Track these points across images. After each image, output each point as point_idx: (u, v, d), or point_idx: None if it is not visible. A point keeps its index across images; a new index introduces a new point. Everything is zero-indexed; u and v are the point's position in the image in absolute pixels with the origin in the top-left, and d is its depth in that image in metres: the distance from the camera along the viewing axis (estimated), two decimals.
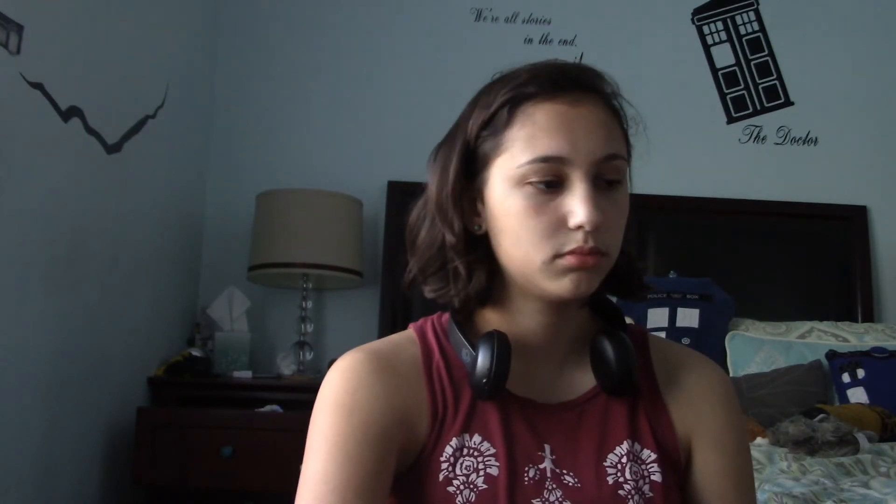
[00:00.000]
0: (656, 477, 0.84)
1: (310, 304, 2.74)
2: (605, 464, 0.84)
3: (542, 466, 0.83)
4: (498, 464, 0.82)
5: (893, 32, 3.15)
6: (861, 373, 2.38)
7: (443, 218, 0.85)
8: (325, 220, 2.64)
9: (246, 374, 2.58)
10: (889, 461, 1.72)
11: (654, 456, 0.86)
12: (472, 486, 0.81)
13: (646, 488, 0.83)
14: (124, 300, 2.35)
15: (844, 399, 2.36)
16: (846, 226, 2.97)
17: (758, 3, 3.16)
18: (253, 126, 3.00)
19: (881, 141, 3.07)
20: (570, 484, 0.83)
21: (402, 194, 2.87)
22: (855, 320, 2.81)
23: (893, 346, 2.46)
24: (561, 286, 0.80)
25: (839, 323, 2.66)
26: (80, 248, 2.10)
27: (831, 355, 2.47)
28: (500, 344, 0.82)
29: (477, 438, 0.83)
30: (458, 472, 0.82)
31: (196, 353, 2.58)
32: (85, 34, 2.08)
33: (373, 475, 0.80)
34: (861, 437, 1.82)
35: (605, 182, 0.80)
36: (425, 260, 0.88)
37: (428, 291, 0.90)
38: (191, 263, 2.86)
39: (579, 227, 0.77)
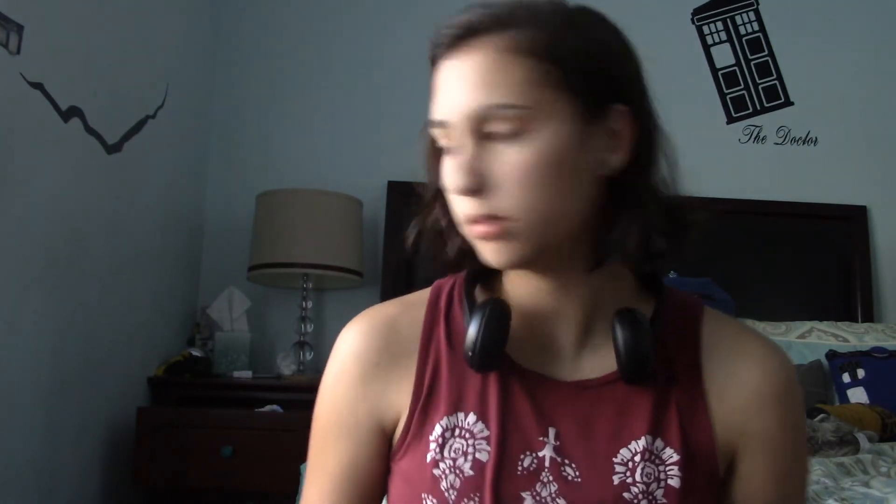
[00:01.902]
0: (674, 482, 0.73)
1: (310, 304, 2.74)
2: (616, 459, 0.73)
3: (541, 454, 0.74)
4: (489, 448, 0.74)
5: (893, 33, 3.15)
6: (861, 373, 2.38)
7: (426, 172, 0.80)
8: (325, 220, 2.64)
9: (246, 374, 2.58)
10: (889, 461, 1.73)
11: (676, 457, 0.74)
12: (458, 472, 0.74)
13: (658, 493, 0.72)
14: (124, 300, 2.35)
15: (844, 399, 2.36)
16: (846, 226, 2.97)
17: (758, 3, 3.16)
18: (253, 126, 3.00)
19: (881, 141, 3.07)
20: (570, 478, 0.73)
21: (402, 194, 2.87)
22: (855, 320, 2.81)
23: (893, 346, 2.46)
24: (483, 255, 0.73)
25: (839, 323, 2.66)
26: (80, 248, 2.10)
27: (831, 355, 2.47)
28: (492, 310, 0.74)
29: (471, 418, 0.76)
30: (445, 454, 0.75)
31: (196, 353, 2.58)
32: (85, 34, 2.08)
33: (349, 465, 0.80)
34: (861, 437, 1.82)
35: (500, 136, 0.70)
36: (422, 215, 0.82)
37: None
38: (191, 263, 2.86)
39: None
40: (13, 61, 1.79)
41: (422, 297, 0.85)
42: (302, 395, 2.53)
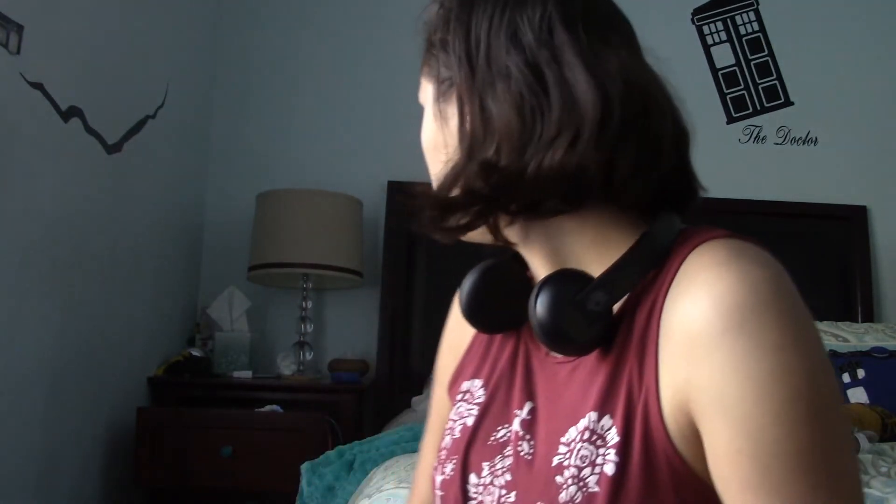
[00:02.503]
0: (609, 468, 0.60)
1: (310, 304, 2.74)
2: (562, 439, 0.65)
3: (512, 428, 0.71)
4: (476, 414, 0.76)
5: (893, 33, 3.15)
6: (861, 373, 2.38)
7: None
8: (325, 220, 2.64)
9: (246, 374, 2.58)
10: (889, 461, 1.72)
11: (617, 438, 0.61)
12: (451, 433, 0.77)
13: (591, 480, 0.61)
14: (124, 300, 2.35)
15: (845, 399, 2.36)
16: (846, 226, 2.97)
17: (758, 3, 3.16)
18: (253, 126, 3.00)
19: (881, 141, 3.08)
20: (523, 454, 0.69)
21: (402, 194, 2.87)
22: (855, 320, 2.81)
23: (893, 346, 2.46)
24: None
25: (839, 323, 2.66)
26: (80, 248, 2.10)
27: (831, 355, 2.47)
28: (478, 272, 0.76)
29: (478, 384, 0.78)
30: (453, 415, 0.79)
31: (196, 353, 2.58)
32: (85, 34, 2.08)
33: (436, 416, 0.88)
34: (861, 438, 1.81)
35: None
36: None
37: None
38: (191, 263, 2.86)
39: None
40: (13, 61, 1.79)
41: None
42: (302, 396, 2.54)
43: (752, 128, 3.08)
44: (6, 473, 1.80)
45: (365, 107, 3.01)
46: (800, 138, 3.08)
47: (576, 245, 0.69)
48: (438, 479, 0.76)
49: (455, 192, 0.68)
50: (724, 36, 3.14)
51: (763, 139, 3.07)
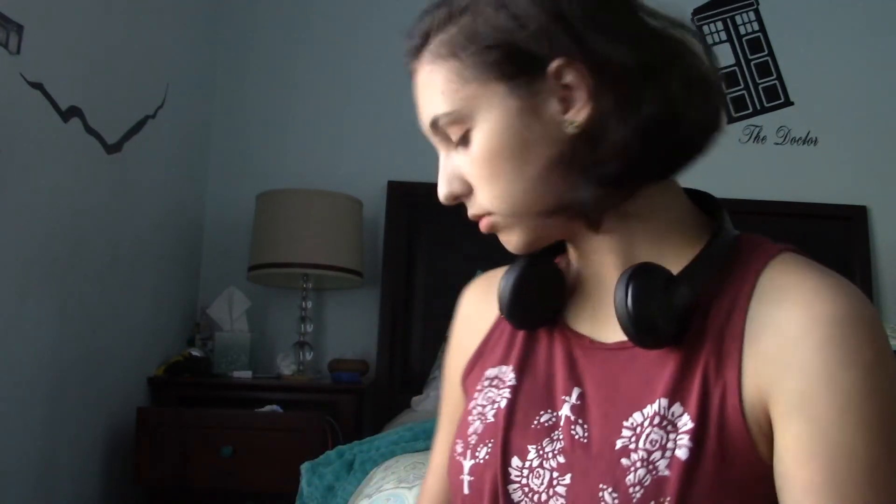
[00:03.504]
0: (681, 452, 0.62)
1: (310, 304, 2.74)
2: (626, 423, 0.67)
3: (559, 413, 0.72)
4: (510, 397, 0.75)
5: (893, 32, 3.15)
6: None
7: None
8: (325, 220, 2.64)
9: (246, 374, 2.58)
10: None
11: (691, 425, 0.63)
12: (482, 418, 0.76)
13: (661, 464, 0.63)
14: (124, 300, 2.35)
15: None
16: (846, 226, 2.97)
17: (758, 3, 3.16)
18: (253, 126, 3.00)
19: (881, 141, 3.08)
20: (577, 437, 0.70)
21: (402, 194, 2.87)
22: None
23: (894, 346, 2.46)
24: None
25: None
26: (80, 248, 2.10)
27: None
28: (517, 269, 0.77)
29: (506, 370, 0.78)
30: (480, 401, 0.78)
31: (196, 353, 2.58)
32: (85, 34, 2.08)
33: (450, 409, 0.88)
34: None
35: (456, 141, 0.73)
36: None
37: None
38: (191, 263, 2.87)
39: None
40: (13, 61, 1.79)
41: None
42: (302, 396, 2.54)
43: (752, 128, 3.08)
44: (6, 473, 1.80)
45: (365, 107, 3.01)
46: (800, 138, 3.08)
47: (645, 238, 0.73)
48: (467, 464, 0.75)
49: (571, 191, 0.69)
50: (724, 36, 3.14)
51: (763, 139, 3.07)
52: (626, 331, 0.67)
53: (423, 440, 1.62)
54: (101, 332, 2.21)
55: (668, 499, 0.62)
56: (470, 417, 0.78)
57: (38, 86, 1.88)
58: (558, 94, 0.68)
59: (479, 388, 0.80)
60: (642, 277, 0.66)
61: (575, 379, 0.73)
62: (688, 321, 0.67)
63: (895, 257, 2.99)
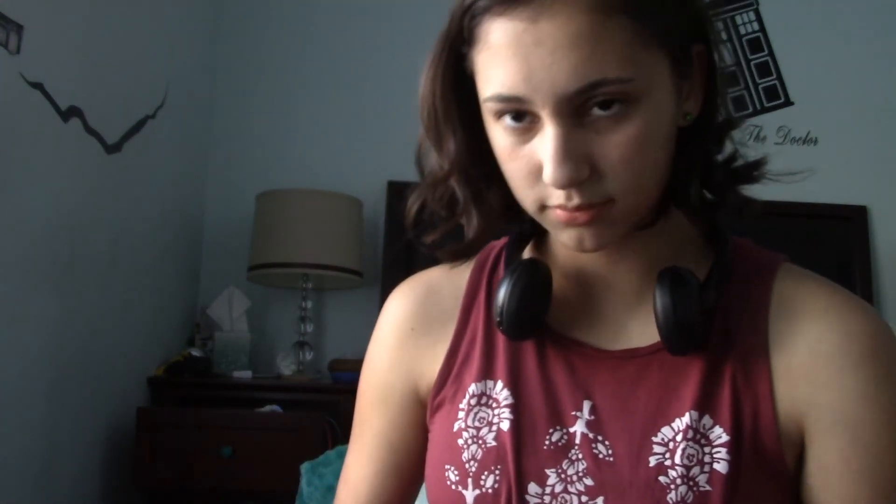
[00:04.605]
0: (721, 466, 0.62)
1: (310, 304, 2.74)
2: (655, 439, 0.64)
3: (572, 430, 0.67)
4: (512, 418, 0.68)
5: (893, 32, 3.15)
6: None
7: (433, 136, 0.70)
8: (325, 220, 2.64)
9: (246, 374, 2.58)
10: None
11: (726, 437, 0.62)
12: (480, 442, 0.69)
13: (702, 479, 0.62)
14: (124, 300, 2.34)
15: None
16: (846, 226, 2.97)
17: (758, 3, 3.16)
18: (253, 126, 3.00)
19: (881, 141, 3.07)
20: (601, 456, 0.66)
21: (402, 194, 2.87)
22: None
23: None
24: (566, 240, 0.65)
25: None
26: (80, 248, 2.09)
27: None
28: (522, 273, 0.68)
29: (499, 387, 0.71)
30: (470, 422, 0.70)
31: (196, 353, 2.58)
32: (85, 34, 2.08)
33: (384, 432, 0.78)
34: None
35: (599, 114, 0.59)
36: (430, 186, 0.73)
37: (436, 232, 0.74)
38: (191, 263, 2.86)
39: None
40: (13, 61, 1.79)
41: (472, 259, 0.79)
42: (302, 396, 2.54)
43: (753, 127, 3.08)
44: (6, 473, 1.80)
45: (365, 107, 3.01)
46: (800, 138, 3.08)
47: (671, 242, 0.71)
48: (470, 494, 0.68)
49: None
50: (724, 36, 3.13)
51: (763, 139, 3.07)
52: (665, 335, 0.64)
53: None
54: (100, 332, 2.21)
55: None
56: (460, 441, 0.70)
57: (38, 86, 1.88)
58: (688, 83, 0.64)
59: (462, 406, 0.72)
60: (683, 281, 0.65)
61: (582, 391, 0.68)
62: (710, 327, 0.66)
63: (895, 257, 2.99)
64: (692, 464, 0.62)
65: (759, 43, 3.14)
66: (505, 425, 0.69)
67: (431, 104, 0.68)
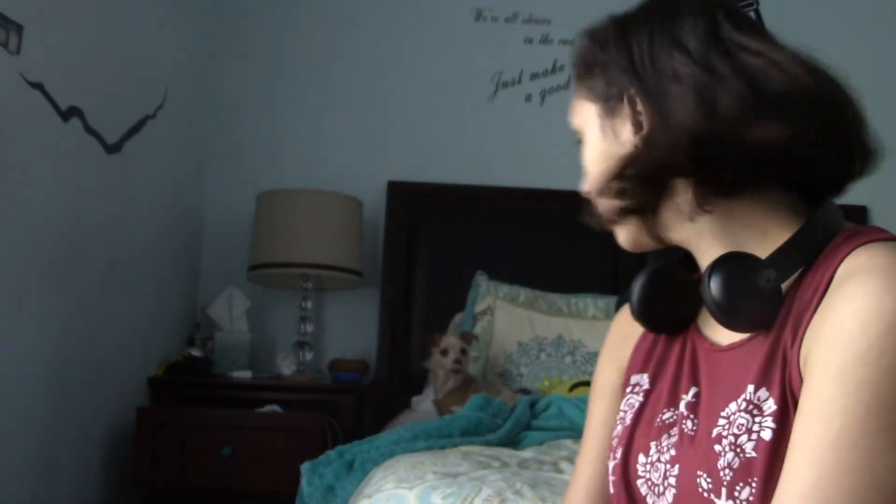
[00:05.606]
0: (766, 434, 0.65)
1: (310, 304, 2.74)
2: (723, 413, 0.70)
3: (679, 410, 0.77)
4: (642, 400, 0.83)
5: (893, 32, 3.15)
6: None
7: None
8: (325, 220, 2.64)
9: (246, 374, 2.58)
10: None
11: (775, 407, 0.65)
12: (622, 421, 0.84)
13: (748, 446, 0.65)
14: (124, 300, 2.35)
15: None
16: None
17: (758, 3, 3.15)
18: (253, 126, 3.00)
19: (881, 141, 3.07)
20: (686, 430, 0.74)
21: (402, 194, 2.87)
22: None
23: None
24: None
25: None
26: (80, 248, 2.10)
27: None
28: (646, 275, 0.82)
29: (644, 377, 0.85)
30: (623, 406, 0.85)
31: (196, 353, 2.58)
32: (85, 34, 2.08)
33: (597, 423, 0.90)
34: None
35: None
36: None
37: None
38: (191, 263, 2.87)
39: None
40: (13, 61, 1.79)
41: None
42: (302, 396, 2.54)
43: None
44: (6, 473, 1.80)
45: (365, 107, 3.01)
46: None
47: (743, 230, 0.75)
48: (611, 465, 0.83)
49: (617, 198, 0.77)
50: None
51: None
52: (714, 316, 0.70)
53: (422, 440, 1.62)
54: (101, 333, 2.21)
55: (756, 479, 0.64)
56: (617, 422, 0.86)
57: (38, 86, 1.88)
58: (632, 120, 0.78)
59: (626, 392, 0.86)
60: (725, 263, 0.70)
61: (694, 378, 0.78)
62: (777, 306, 0.69)
63: None
64: (741, 432, 0.67)
65: None
66: (637, 406, 0.83)
67: None
